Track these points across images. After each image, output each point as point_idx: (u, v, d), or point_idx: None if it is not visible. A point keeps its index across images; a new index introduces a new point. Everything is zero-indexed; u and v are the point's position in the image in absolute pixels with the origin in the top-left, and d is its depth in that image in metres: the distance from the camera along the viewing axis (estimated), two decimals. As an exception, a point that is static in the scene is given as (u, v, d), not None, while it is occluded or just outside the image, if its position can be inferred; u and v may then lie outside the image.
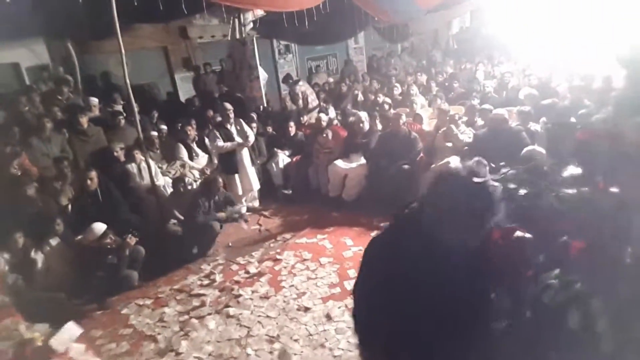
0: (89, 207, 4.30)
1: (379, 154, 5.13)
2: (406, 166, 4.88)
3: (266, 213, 5.41)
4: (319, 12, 5.53)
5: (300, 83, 7.51)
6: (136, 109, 4.51)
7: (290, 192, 5.79)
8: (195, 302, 3.73)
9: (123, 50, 4.16)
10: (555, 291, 1.52)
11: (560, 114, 4.48)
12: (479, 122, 5.14)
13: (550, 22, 7.37)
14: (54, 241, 3.94)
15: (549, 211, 2.04)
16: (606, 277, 1.52)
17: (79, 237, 3.95)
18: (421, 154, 5.06)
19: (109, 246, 3.88)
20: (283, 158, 5.95)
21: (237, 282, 3.95)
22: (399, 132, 5.11)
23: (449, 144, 4.91)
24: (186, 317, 3.54)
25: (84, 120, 5.10)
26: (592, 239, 1.75)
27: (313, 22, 5.82)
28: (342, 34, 8.86)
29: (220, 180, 4.74)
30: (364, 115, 5.63)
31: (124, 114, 5.46)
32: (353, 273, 3.80)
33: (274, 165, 5.90)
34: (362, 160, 5.32)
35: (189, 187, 5.04)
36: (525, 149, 3.47)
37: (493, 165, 3.98)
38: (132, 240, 3.97)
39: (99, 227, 3.87)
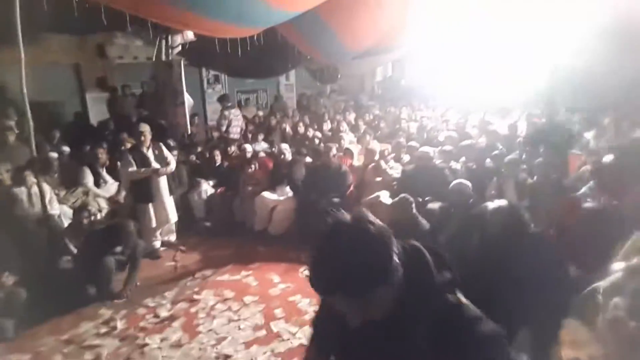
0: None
1: (309, 187, 5.00)
2: (336, 199, 4.79)
3: (183, 248, 4.88)
4: (253, 45, 5.44)
5: (234, 110, 7.28)
6: (31, 126, 3.85)
7: (211, 224, 5.34)
8: (88, 356, 3.08)
9: (23, 59, 3.59)
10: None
11: (477, 155, 4.80)
12: (405, 158, 5.32)
13: (466, 76, 8.21)
14: None
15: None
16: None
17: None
18: (351, 188, 5.03)
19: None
20: (206, 188, 5.52)
21: (143, 329, 3.37)
22: (330, 165, 5.06)
23: (379, 179, 4.95)
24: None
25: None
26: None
27: (246, 55, 5.71)
28: (274, 69, 8.91)
29: (132, 226, 4.06)
30: (285, 146, 5.63)
31: (16, 130, 4.69)
32: (280, 312, 3.47)
33: (196, 195, 5.44)
34: (290, 193, 5.14)
35: (92, 218, 4.37)
36: (453, 182, 3.57)
37: (420, 200, 4.13)
38: (8, 279, 3.22)
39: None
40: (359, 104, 10.23)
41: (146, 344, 3.15)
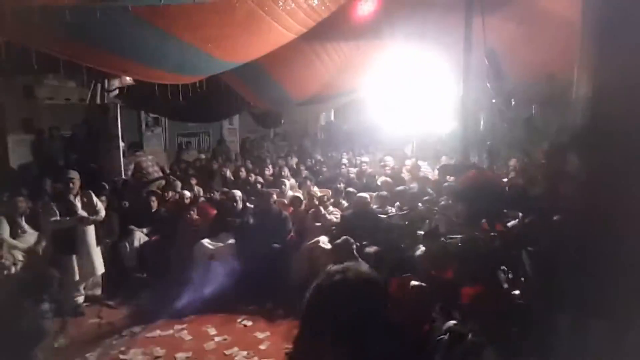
0: None
1: (249, 232, 4.94)
2: (277, 245, 4.77)
3: (111, 303, 4.52)
4: (194, 90, 5.48)
5: (139, 153, 7.06)
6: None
7: (145, 275, 5.03)
8: None
9: None
10: (446, 348, 1.50)
11: (410, 199, 5.08)
12: (344, 203, 5.48)
13: (403, 121, 8.80)
14: None
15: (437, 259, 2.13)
16: (500, 321, 1.57)
17: None
18: (291, 234, 5.05)
19: None
20: (140, 236, 5.24)
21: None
22: (270, 210, 5.07)
23: (318, 224, 5.04)
24: None
25: None
26: (485, 280, 1.83)
27: (188, 99, 5.72)
28: (217, 114, 8.96)
29: (55, 277, 3.69)
30: (237, 193, 5.44)
31: None
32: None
33: (127, 244, 5.13)
34: (231, 240, 5.03)
35: (5, 272, 3.95)
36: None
37: (358, 244, 4.25)
38: None
39: None
40: (302, 149, 10.49)
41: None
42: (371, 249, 4.18)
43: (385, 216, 4.75)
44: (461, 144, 4.85)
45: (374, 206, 5.08)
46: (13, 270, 4.19)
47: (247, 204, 5.48)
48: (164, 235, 5.29)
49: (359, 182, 6.60)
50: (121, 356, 3.55)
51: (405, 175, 6.92)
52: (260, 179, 6.43)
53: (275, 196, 5.35)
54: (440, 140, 8.42)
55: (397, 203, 5.17)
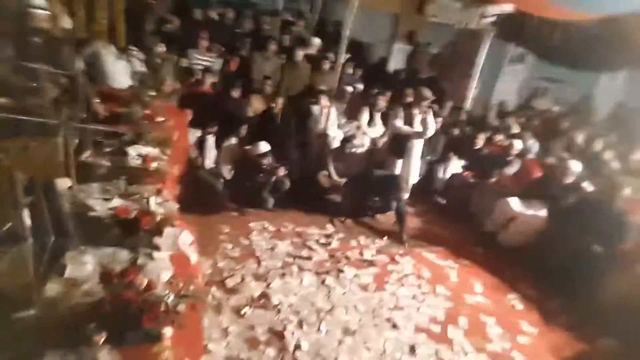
0: (265, 126, 4.76)
1: (564, 218, 4.12)
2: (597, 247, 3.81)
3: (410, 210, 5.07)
4: (579, 31, 4.56)
5: None
6: (344, 57, 4.67)
7: (446, 202, 5.31)
8: (304, 253, 3.82)
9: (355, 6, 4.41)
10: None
11: None
12: None
13: None
14: (233, 140, 4.53)
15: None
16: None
17: (247, 147, 4.43)
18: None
19: (263, 166, 4.26)
20: (456, 166, 5.43)
21: (347, 258, 3.87)
22: (611, 210, 3.97)
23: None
24: (291, 260, 3.67)
25: (299, 54, 5.57)
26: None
27: (572, 39, 4.87)
28: (597, 63, 7.26)
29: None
30: (575, 166, 4.42)
31: (333, 61, 5.71)
32: (464, 323, 3.26)
33: (441, 169, 5.44)
34: (542, 212, 4.37)
35: (353, 150, 5.10)
36: None
37: None
38: (281, 171, 4.26)
39: (263, 146, 4.28)
40: None
41: (342, 271, 3.63)
42: None
43: None
44: None
45: None
46: (359, 150, 5.32)
47: (582, 185, 4.47)
48: (477, 174, 5.24)
49: None
50: (397, 257, 4.05)
51: None
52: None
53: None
54: None
55: None
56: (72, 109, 2.48)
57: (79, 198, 2.16)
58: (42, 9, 3.04)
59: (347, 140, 5.07)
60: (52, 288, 1.68)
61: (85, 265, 1.79)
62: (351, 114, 5.70)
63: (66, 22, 3.56)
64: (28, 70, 2.58)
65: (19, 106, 2.39)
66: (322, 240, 4.10)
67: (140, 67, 4.57)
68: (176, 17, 5.86)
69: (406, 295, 3.48)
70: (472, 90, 6.78)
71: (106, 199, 2.21)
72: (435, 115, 5.17)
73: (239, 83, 5.08)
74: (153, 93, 3.73)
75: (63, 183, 2.15)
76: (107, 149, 2.70)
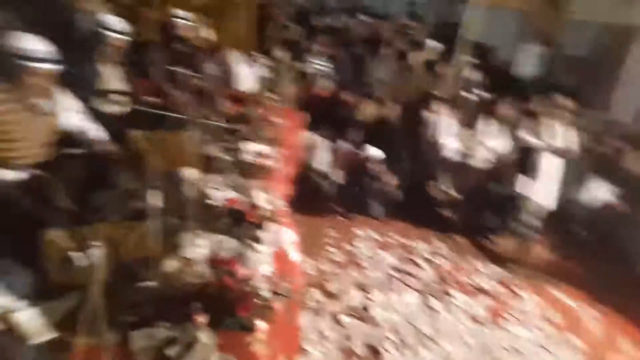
0: (379, 132, 4.62)
1: None
2: None
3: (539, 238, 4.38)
4: None
5: None
6: (461, 65, 4.29)
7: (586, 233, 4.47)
8: (409, 268, 3.56)
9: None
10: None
11: None
12: None
13: None
14: (346, 144, 4.49)
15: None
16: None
17: (358, 151, 4.35)
18: None
19: (374, 172, 4.13)
20: (602, 190, 4.53)
21: (457, 282, 3.48)
22: None
23: None
24: (395, 273, 3.44)
25: (415, 58, 5.34)
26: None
27: None
28: None
29: None
30: None
31: (452, 66, 5.34)
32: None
33: (582, 193, 4.60)
34: None
35: (472, 163, 4.63)
36: None
37: None
38: (393, 180, 4.07)
39: (375, 152, 4.14)
40: None
41: (451, 295, 3.26)
42: None
43: None
44: None
45: None
46: (478, 164, 4.78)
47: None
48: (631, 202, 4.26)
49: None
50: (517, 290, 3.51)
51: None
52: None
53: None
54: None
55: None
56: (203, 107, 2.72)
57: (200, 186, 2.32)
58: (185, 19, 3.44)
59: (465, 152, 4.63)
60: (170, 264, 1.79)
61: (198, 248, 1.87)
62: (471, 124, 5.22)
63: (204, 32, 3.98)
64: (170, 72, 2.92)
65: (160, 104, 2.71)
66: (430, 257, 3.78)
67: (265, 72, 4.88)
68: (297, 25, 6.18)
69: (528, 338, 2.96)
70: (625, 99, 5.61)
71: (221, 190, 2.33)
72: (576, 128, 4.41)
73: (352, 88, 5.06)
74: (274, 96, 3.92)
75: (191, 173, 2.34)
76: (227, 145, 2.87)
